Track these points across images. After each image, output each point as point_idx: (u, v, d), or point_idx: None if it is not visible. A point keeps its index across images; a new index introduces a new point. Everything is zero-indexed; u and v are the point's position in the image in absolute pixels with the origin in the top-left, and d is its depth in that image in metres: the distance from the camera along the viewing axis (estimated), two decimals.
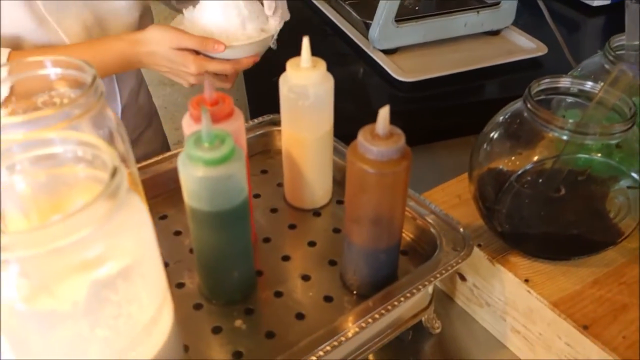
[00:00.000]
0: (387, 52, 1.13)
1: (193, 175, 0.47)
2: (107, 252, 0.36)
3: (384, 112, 0.47)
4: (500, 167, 0.61)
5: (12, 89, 0.52)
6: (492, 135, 0.62)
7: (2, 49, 0.72)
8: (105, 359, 0.38)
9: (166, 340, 0.43)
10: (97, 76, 0.46)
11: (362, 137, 0.48)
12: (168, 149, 1.11)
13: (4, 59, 0.69)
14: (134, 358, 0.40)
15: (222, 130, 0.47)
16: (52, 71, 0.48)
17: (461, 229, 0.60)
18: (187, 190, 0.49)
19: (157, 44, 0.77)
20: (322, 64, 0.58)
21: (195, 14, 0.82)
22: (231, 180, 0.47)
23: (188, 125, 0.53)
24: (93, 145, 0.38)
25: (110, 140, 0.49)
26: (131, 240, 0.38)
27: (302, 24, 1.31)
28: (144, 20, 0.89)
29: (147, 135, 1.03)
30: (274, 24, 0.82)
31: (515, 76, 1.13)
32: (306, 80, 0.57)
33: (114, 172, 0.35)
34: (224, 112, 0.52)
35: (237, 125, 0.53)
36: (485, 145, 0.62)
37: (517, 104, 0.61)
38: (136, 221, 0.38)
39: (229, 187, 0.48)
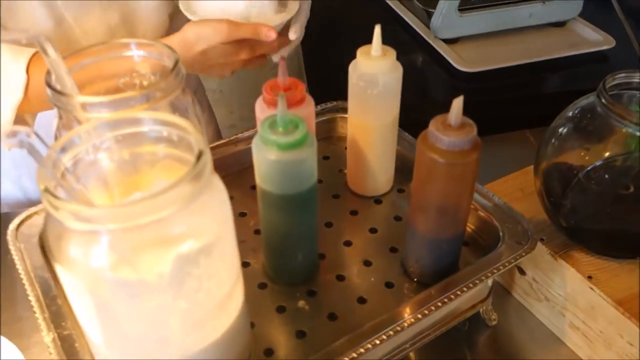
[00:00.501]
0: (449, 41, 1.12)
1: (266, 158, 0.48)
2: (191, 229, 0.38)
3: (457, 102, 0.47)
4: (568, 162, 0.60)
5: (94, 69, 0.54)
6: (561, 129, 0.61)
7: (26, 49, 0.66)
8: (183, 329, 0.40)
9: (237, 315, 0.45)
10: (179, 60, 0.48)
11: (434, 127, 0.48)
12: (219, 134, 1.12)
13: (24, 62, 0.65)
14: (209, 330, 0.42)
15: (296, 115, 0.48)
16: (135, 53, 0.50)
17: (525, 223, 0.59)
18: (259, 173, 0.50)
19: (209, 42, 0.69)
20: (392, 53, 0.58)
21: None
22: (303, 164, 0.48)
23: (261, 110, 0.54)
24: (181, 127, 0.39)
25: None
26: (213, 219, 0.39)
27: (362, 12, 1.30)
28: (176, 20, 0.83)
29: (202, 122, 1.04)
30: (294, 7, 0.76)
31: (580, 69, 1.10)
32: (376, 69, 0.58)
33: (200, 155, 0.37)
34: (296, 97, 0.53)
35: (308, 111, 0.54)
36: (553, 140, 0.62)
37: (589, 99, 0.60)
38: (218, 201, 0.40)
39: (300, 171, 0.49)
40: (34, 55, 0.65)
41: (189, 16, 0.71)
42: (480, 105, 1.03)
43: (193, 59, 0.70)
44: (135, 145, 0.43)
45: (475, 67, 1.05)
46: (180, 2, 0.73)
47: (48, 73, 0.46)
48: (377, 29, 0.57)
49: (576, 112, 0.61)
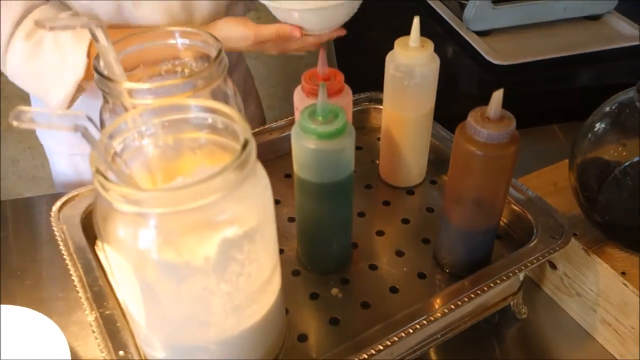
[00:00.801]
0: (481, 33, 1.12)
1: (305, 146, 0.49)
2: (236, 214, 0.39)
3: (497, 95, 0.47)
4: (605, 157, 0.60)
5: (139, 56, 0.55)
6: (598, 124, 0.61)
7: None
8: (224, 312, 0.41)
9: (275, 300, 0.46)
10: (222, 50, 0.48)
11: (472, 119, 0.49)
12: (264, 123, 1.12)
13: (86, 45, 0.69)
14: (248, 314, 0.43)
15: (335, 105, 0.49)
16: (179, 41, 0.51)
17: (559, 217, 0.59)
18: (297, 161, 0.51)
19: (236, 43, 0.74)
20: (429, 45, 0.59)
21: None
22: (341, 154, 0.49)
23: (300, 99, 0.55)
24: (228, 115, 0.40)
25: None
26: (256, 205, 0.40)
27: (393, 3, 1.30)
28: (233, 10, 0.86)
29: (249, 112, 1.05)
30: None
31: (614, 64, 1.09)
32: (414, 60, 0.58)
33: (246, 144, 0.38)
34: (335, 87, 0.54)
35: (347, 101, 0.55)
36: (589, 135, 0.61)
37: (628, 94, 0.59)
38: (261, 187, 0.41)
39: (338, 160, 0.49)
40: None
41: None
42: (512, 98, 1.02)
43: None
44: (179, 132, 0.44)
45: (507, 60, 1.04)
46: None
47: (97, 58, 0.47)
48: (416, 20, 0.57)
49: (614, 107, 0.61)
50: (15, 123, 0.34)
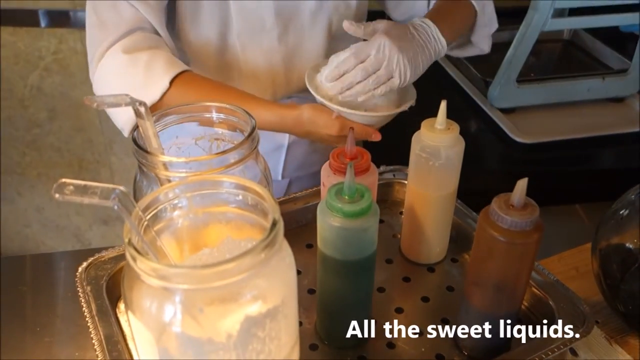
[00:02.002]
0: (505, 110, 1.13)
1: (330, 224, 0.50)
2: (261, 292, 0.39)
3: (522, 184, 0.48)
4: (629, 245, 0.60)
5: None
6: (622, 212, 0.61)
7: (180, 64, 0.74)
8: None
9: None
10: (256, 127, 0.50)
11: (496, 206, 0.49)
12: None
13: (171, 74, 0.72)
14: None
15: (362, 185, 0.50)
16: (215, 116, 0.53)
17: (581, 305, 0.59)
18: (322, 237, 0.52)
19: (318, 129, 0.74)
20: (455, 127, 0.60)
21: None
22: (365, 233, 0.50)
23: (327, 175, 0.56)
24: (258, 193, 0.42)
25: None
26: (281, 283, 0.41)
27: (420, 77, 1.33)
28: None
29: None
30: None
31: (636, 147, 1.09)
32: (439, 142, 0.60)
33: (275, 224, 0.39)
34: (362, 166, 0.55)
35: (372, 180, 0.56)
36: (613, 222, 0.61)
37: None
38: (286, 265, 0.41)
39: (362, 239, 0.50)
40: (183, 72, 0.72)
41: (312, 92, 0.75)
42: (534, 176, 1.03)
43: (298, 132, 0.77)
44: (210, 205, 0.46)
45: (530, 139, 1.06)
46: (306, 76, 0.78)
47: (137, 129, 0.49)
48: (443, 105, 0.59)
49: (638, 196, 0.61)
50: (57, 196, 0.35)
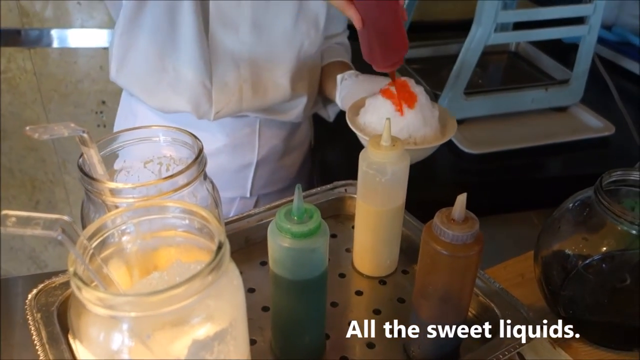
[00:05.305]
0: None
1: (280, 244, 0.51)
2: (208, 316, 0.40)
3: (462, 199, 0.50)
4: (568, 252, 0.63)
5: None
6: (560, 221, 0.64)
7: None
8: None
9: None
10: (203, 150, 0.51)
11: (438, 220, 0.51)
12: None
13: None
14: None
15: (312, 205, 0.51)
16: (162, 138, 0.54)
17: (524, 311, 0.61)
18: (272, 258, 0.53)
19: None
20: (401, 144, 0.62)
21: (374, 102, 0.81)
22: (314, 253, 0.51)
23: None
24: (203, 217, 0.42)
25: (205, 203, 0.54)
26: (229, 305, 0.42)
27: None
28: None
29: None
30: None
31: (580, 154, 1.14)
32: (385, 159, 0.61)
33: (220, 246, 0.40)
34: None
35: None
36: (553, 230, 0.64)
37: (587, 193, 0.63)
38: (234, 287, 0.42)
39: (312, 259, 0.51)
40: None
41: (356, 132, 0.79)
42: (483, 186, 1.06)
43: None
44: (158, 230, 0.46)
45: (479, 149, 1.09)
46: (348, 119, 0.81)
47: (82, 156, 0.49)
48: (387, 122, 0.61)
49: (576, 204, 0.64)
50: None
